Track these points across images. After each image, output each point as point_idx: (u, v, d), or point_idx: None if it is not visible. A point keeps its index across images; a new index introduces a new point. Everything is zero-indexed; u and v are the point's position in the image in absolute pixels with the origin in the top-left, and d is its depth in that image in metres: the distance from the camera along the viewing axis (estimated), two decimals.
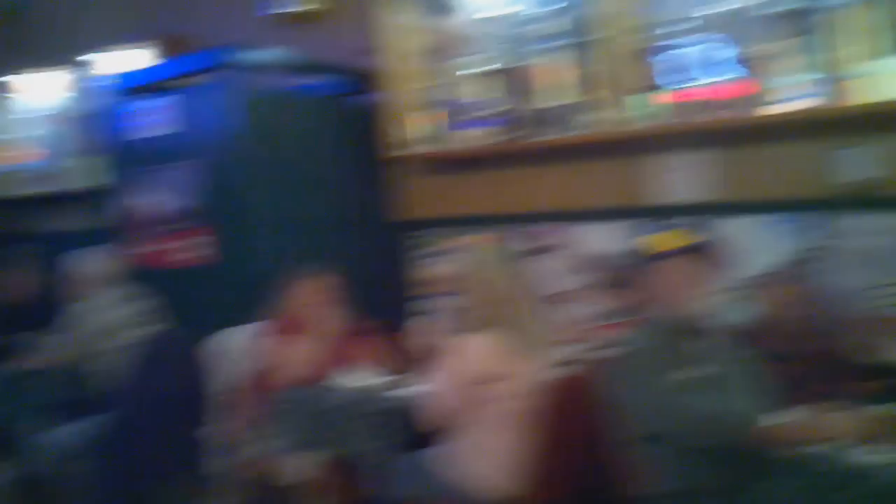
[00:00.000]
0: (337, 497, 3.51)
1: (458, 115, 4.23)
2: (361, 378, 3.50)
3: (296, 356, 3.69)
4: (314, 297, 3.78)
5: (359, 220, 4.48)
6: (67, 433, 4.00)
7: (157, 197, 4.65)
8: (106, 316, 4.04)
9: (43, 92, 6.04)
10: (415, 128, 4.32)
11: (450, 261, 3.66)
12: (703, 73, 3.54)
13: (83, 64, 5.71)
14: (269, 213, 4.21)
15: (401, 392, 3.36)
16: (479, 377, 2.99)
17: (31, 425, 4.17)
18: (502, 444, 2.97)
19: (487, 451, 3.00)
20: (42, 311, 4.61)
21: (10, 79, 6.18)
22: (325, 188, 4.40)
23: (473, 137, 4.18)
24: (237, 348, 3.90)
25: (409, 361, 3.66)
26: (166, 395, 3.82)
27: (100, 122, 5.01)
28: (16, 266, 4.77)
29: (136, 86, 4.64)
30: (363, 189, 4.54)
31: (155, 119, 4.52)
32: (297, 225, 4.25)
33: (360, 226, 4.46)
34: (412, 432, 3.23)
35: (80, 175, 5.55)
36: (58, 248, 4.64)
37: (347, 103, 4.64)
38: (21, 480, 4.44)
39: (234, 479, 3.81)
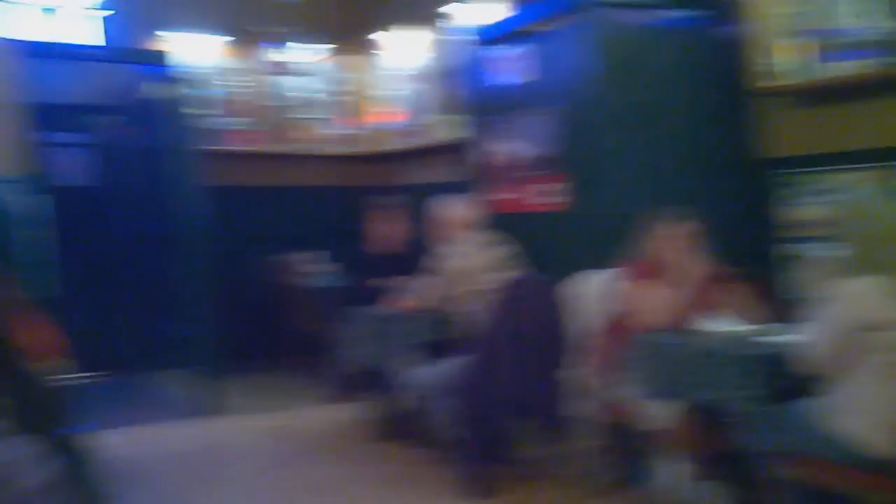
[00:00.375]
0: (695, 446, 3.38)
1: (831, 44, 3.83)
2: (725, 325, 3.32)
3: (655, 301, 3.58)
4: (675, 242, 3.64)
5: (722, 160, 4.22)
6: (432, 372, 4.21)
7: (515, 145, 4.72)
8: (468, 261, 4.17)
9: (406, 49, 6.37)
10: (783, 59, 3.98)
11: (825, 201, 3.35)
12: None
13: (444, 18, 5.93)
14: (626, 156, 4.11)
15: (769, 340, 3.13)
16: (861, 324, 2.72)
17: (399, 364, 4.44)
18: (885, 398, 2.68)
19: (868, 405, 2.72)
20: (410, 258, 4.89)
21: (377, 36, 6.59)
22: (685, 127, 4.19)
23: (847, 68, 3.77)
24: (594, 293, 3.86)
25: (777, 308, 3.41)
26: (526, 338, 3.88)
27: (459, 75, 5.19)
28: (386, 216, 5.06)
29: (495, 36, 4.72)
30: (726, 126, 4.27)
31: (513, 67, 4.59)
32: (656, 167, 4.10)
33: (723, 165, 4.21)
34: (781, 382, 3.01)
35: (442, 129, 5.79)
36: (423, 198, 4.88)
37: (710, 35, 4.37)
38: (389, 416, 4.80)
39: (591, 422, 3.81)
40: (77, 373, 3.27)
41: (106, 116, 6.92)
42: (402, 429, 4.72)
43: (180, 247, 5.50)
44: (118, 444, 4.37)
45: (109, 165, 7.11)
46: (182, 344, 5.85)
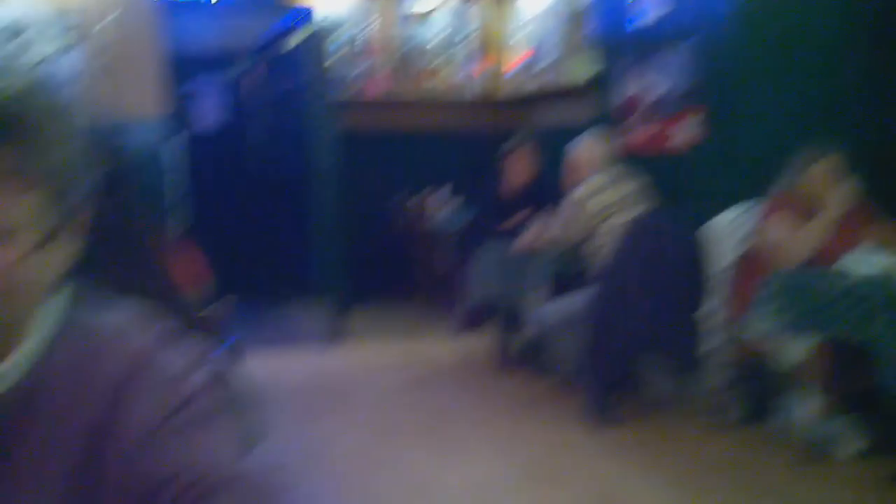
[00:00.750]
0: (830, 382, 3.31)
1: None
2: (870, 261, 3.22)
3: (797, 237, 3.50)
4: (818, 178, 3.54)
5: (867, 93, 4.05)
6: (559, 307, 4.24)
7: (651, 82, 4.66)
8: (600, 199, 4.15)
9: None
10: None
11: None
12: None
13: None
14: (766, 89, 4.01)
15: None
16: None
17: (526, 299, 4.49)
18: None
19: None
20: (541, 198, 4.91)
21: None
22: (826, 57, 4.02)
23: None
24: (732, 229, 3.80)
25: None
26: (657, 274, 3.85)
27: (593, 12, 5.12)
28: (518, 157, 5.07)
29: None
30: (872, 57, 4.07)
31: (648, 4, 4.51)
32: (798, 99, 3.98)
33: (868, 97, 4.04)
34: None
35: (575, 69, 5.74)
36: (555, 140, 4.87)
37: None
38: (514, 349, 4.86)
39: (722, 358, 3.77)
40: (218, 302, 3.42)
41: (243, 64, 7.14)
42: (527, 362, 4.80)
43: (315, 188, 5.65)
44: (253, 368, 4.56)
45: (247, 111, 7.34)
46: (315, 277, 6.05)
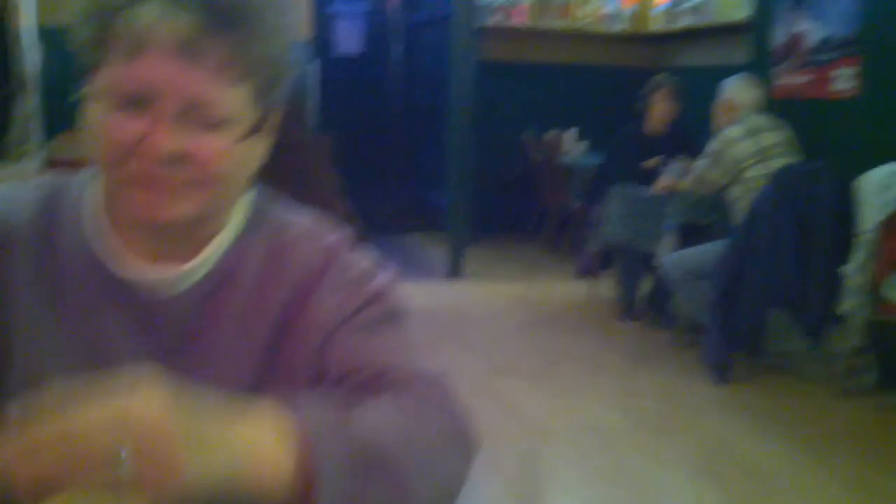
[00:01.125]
0: None
1: None
2: None
3: None
4: None
5: None
6: (688, 255, 4.10)
7: (808, 26, 4.42)
8: (747, 144, 3.98)
9: None
10: None
11: None
12: None
13: None
14: None
15: None
16: None
17: (654, 246, 4.36)
18: None
19: None
20: (679, 140, 4.76)
21: None
22: None
23: None
24: (883, 186, 3.57)
25: None
26: (802, 229, 3.68)
27: None
28: (658, 97, 4.90)
29: None
30: None
31: None
32: None
33: None
34: None
35: (729, 7, 5.49)
36: (705, 80, 4.67)
37: None
38: (635, 296, 4.76)
39: (857, 321, 3.58)
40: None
41: None
42: (650, 310, 4.70)
43: (450, 118, 5.62)
44: None
45: (384, 37, 7.35)
46: (438, 210, 6.06)
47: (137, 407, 0.66)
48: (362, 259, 1.01)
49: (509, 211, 6.75)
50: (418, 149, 7.17)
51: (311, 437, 0.75)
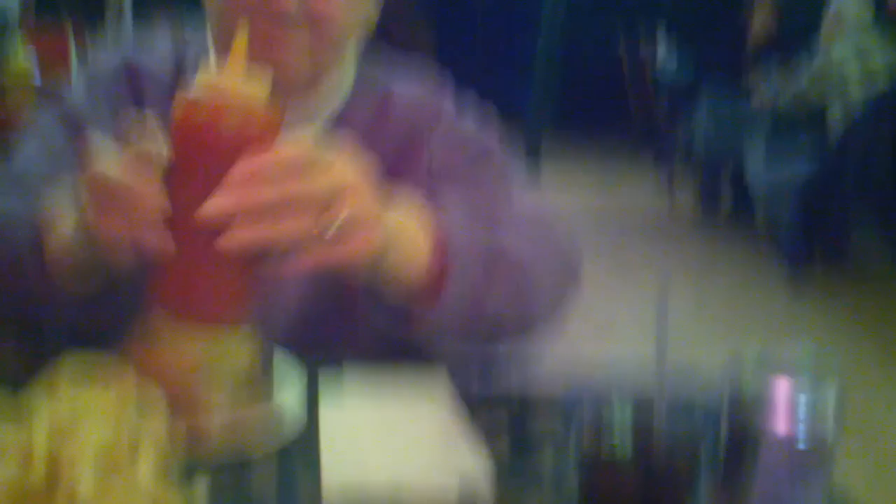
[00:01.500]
0: None
1: None
2: None
3: None
4: None
5: None
6: (785, 166, 3.97)
7: None
8: (855, 63, 3.82)
9: None
10: None
11: None
12: None
13: None
14: None
15: None
16: None
17: (753, 156, 4.23)
18: None
19: None
20: (790, 50, 4.54)
21: None
22: None
23: None
24: None
25: None
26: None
27: None
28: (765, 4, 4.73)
29: None
30: None
31: None
32: None
33: None
34: None
35: None
36: None
37: None
38: (723, 206, 4.71)
39: None
40: None
41: None
42: (735, 218, 4.64)
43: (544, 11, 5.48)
44: None
45: None
46: (521, 105, 5.95)
47: (353, 174, 0.71)
48: (472, 119, 1.03)
49: (600, 114, 6.52)
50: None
51: (448, 229, 0.80)
